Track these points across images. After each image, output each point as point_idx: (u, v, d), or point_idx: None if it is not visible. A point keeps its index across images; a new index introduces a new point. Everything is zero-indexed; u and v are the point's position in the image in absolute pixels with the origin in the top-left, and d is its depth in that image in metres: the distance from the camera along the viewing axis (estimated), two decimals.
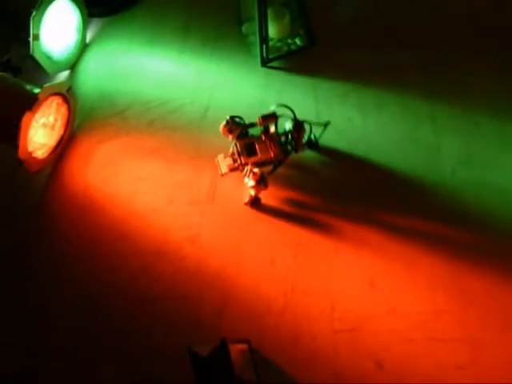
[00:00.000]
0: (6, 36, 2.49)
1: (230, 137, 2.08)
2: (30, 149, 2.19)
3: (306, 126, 2.13)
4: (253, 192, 2.10)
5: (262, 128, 2.09)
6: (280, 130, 2.12)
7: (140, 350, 1.92)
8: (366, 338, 1.85)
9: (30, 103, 2.11)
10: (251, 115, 2.08)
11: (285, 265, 2.02)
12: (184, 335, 1.91)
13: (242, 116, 2.10)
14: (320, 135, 2.25)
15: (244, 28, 2.70)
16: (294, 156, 2.18)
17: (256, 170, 2.03)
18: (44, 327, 2.02)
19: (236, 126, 2.07)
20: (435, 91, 2.37)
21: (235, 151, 2.08)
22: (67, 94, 2.35)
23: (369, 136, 2.30)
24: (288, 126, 2.11)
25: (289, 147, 2.13)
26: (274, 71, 2.55)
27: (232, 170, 2.10)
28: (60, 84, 2.39)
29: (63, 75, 2.69)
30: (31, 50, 2.40)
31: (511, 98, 2.32)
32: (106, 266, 2.10)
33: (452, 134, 2.25)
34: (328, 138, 2.28)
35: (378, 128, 2.31)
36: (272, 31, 2.54)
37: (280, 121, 2.08)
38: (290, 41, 2.62)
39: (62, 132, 2.41)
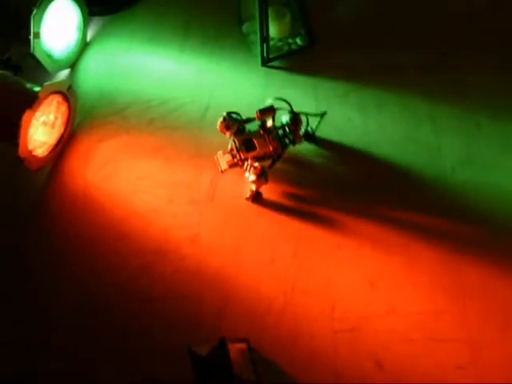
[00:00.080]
0: (6, 34, 2.49)
1: (228, 133, 2.09)
2: (30, 147, 2.19)
3: (303, 118, 2.15)
4: (254, 187, 2.10)
5: (259, 123, 2.10)
6: (277, 124, 2.13)
7: (140, 349, 1.92)
8: (366, 337, 1.85)
9: (31, 101, 2.11)
10: (251, 114, 2.08)
11: (285, 264, 2.02)
12: (184, 335, 1.92)
13: (243, 115, 2.11)
14: (317, 126, 2.27)
15: (244, 27, 2.70)
16: (291, 149, 2.19)
17: (256, 164, 2.03)
18: (44, 327, 2.02)
19: (233, 122, 2.07)
20: (435, 91, 2.37)
21: (234, 147, 2.09)
22: (67, 93, 2.34)
23: (369, 136, 2.29)
24: (285, 119, 2.12)
25: (286, 140, 2.13)
26: (274, 71, 2.55)
27: (231, 166, 2.10)
28: (60, 82, 2.39)
29: (63, 74, 2.69)
30: (32, 49, 2.40)
31: None
32: (105, 266, 2.10)
33: (452, 134, 2.25)
34: (328, 138, 2.29)
35: (378, 128, 2.31)
36: (272, 31, 2.54)
37: (276, 114, 2.09)
38: (290, 40, 2.62)
39: (62, 130, 2.41)
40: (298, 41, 2.61)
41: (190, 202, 2.21)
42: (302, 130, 2.20)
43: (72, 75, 2.69)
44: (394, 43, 2.55)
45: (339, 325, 1.88)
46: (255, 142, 2.08)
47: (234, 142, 2.08)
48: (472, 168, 2.15)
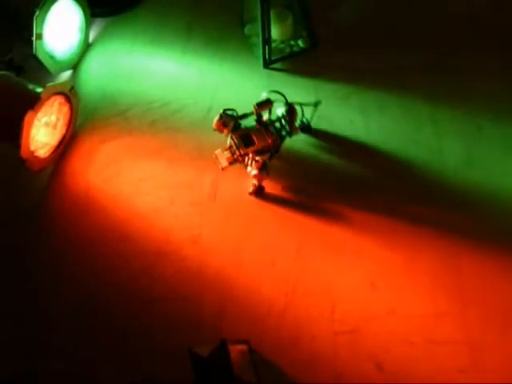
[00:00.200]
0: (9, 35, 2.50)
1: (225, 131, 2.10)
2: (32, 148, 2.19)
3: (298, 110, 2.16)
4: (256, 181, 2.12)
5: (254, 118, 2.11)
6: (272, 117, 2.14)
7: (140, 349, 1.92)
8: (367, 339, 1.85)
9: (33, 102, 2.11)
10: (253, 115, 2.09)
11: (286, 266, 2.02)
12: (184, 336, 1.92)
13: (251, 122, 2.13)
14: (311, 117, 2.29)
15: (247, 29, 2.70)
16: (291, 145, 2.21)
17: (258, 158, 2.05)
18: (44, 327, 2.02)
19: (230, 119, 2.08)
20: (437, 93, 2.37)
21: (232, 144, 2.09)
22: (70, 94, 2.35)
23: (371, 137, 2.29)
24: (280, 111, 2.14)
25: (283, 132, 2.15)
26: (276, 72, 2.55)
27: (231, 163, 2.11)
28: (62, 83, 2.39)
29: (66, 75, 2.69)
30: (34, 50, 2.40)
31: None
32: (106, 266, 2.11)
33: (454, 136, 2.25)
34: (329, 139, 2.30)
35: (379, 130, 2.31)
36: (274, 33, 2.54)
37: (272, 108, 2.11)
38: (292, 42, 2.62)
39: (64, 131, 2.41)
40: (300, 43, 2.61)
41: (192, 203, 2.21)
42: (298, 122, 2.22)
43: (74, 76, 2.69)
44: (395, 44, 2.55)
45: (340, 326, 1.88)
46: (253, 136, 2.09)
47: (232, 139, 2.09)
48: (473, 170, 2.15)
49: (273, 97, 2.08)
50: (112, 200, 2.27)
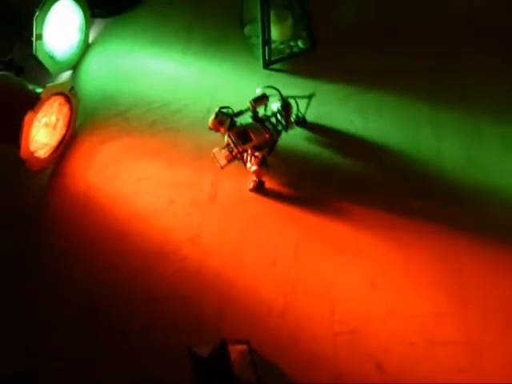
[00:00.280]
0: (9, 35, 2.50)
1: (221, 129, 2.11)
2: (31, 148, 2.19)
3: (293, 104, 2.18)
4: (256, 176, 2.13)
5: (250, 114, 2.13)
6: (268, 113, 2.16)
7: (140, 349, 1.92)
8: (366, 340, 1.85)
9: (33, 103, 2.11)
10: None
11: (286, 266, 2.02)
12: (184, 336, 1.92)
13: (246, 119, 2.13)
14: (306, 110, 2.31)
15: (246, 30, 2.70)
16: (285, 139, 2.22)
17: (257, 153, 2.07)
18: (44, 327, 2.02)
19: (226, 117, 2.10)
20: (436, 94, 2.37)
21: (230, 142, 2.09)
22: (69, 94, 2.35)
23: (370, 138, 2.30)
24: (276, 106, 2.15)
25: (279, 127, 2.16)
26: (275, 73, 2.56)
27: (230, 160, 2.11)
28: (62, 84, 2.40)
29: (66, 75, 2.69)
30: (34, 50, 2.40)
31: None
32: (106, 266, 2.11)
33: (453, 137, 2.25)
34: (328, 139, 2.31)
35: (378, 131, 2.31)
36: (274, 33, 2.54)
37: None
38: (292, 43, 2.62)
39: (63, 132, 2.41)
40: (300, 44, 2.62)
41: (192, 204, 2.22)
42: (293, 116, 2.25)
43: (74, 77, 2.70)
44: (395, 45, 2.56)
45: (339, 327, 1.88)
46: (250, 132, 2.10)
47: (230, 137, 2.10)
48: (472, 171, 2.15)
49: (267, 92, 2.10)
50: (112, 200, 2.28)
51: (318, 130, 2.33)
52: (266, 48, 2.50)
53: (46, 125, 2.32)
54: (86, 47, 2.78)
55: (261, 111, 2.15)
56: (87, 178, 2.35)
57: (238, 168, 2.17)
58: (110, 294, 2.04)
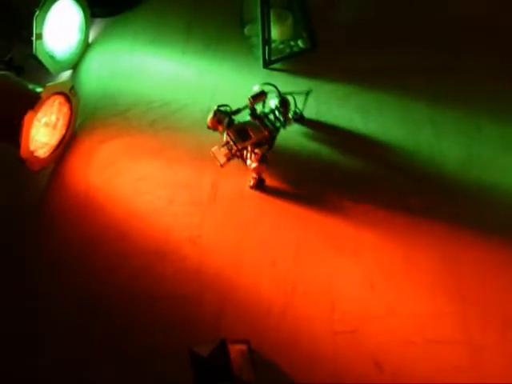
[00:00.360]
0: (8, 35, 2.50)
1: (220, 128, 2.11)
2: (31, 148, 2.19)
3: (290, 100, 2.19)
4: (256, 174, 2.14)
5: (248, 112, 2.13)
6: (266, 110, 2.17)
7: (140, 349, 1.92)
8: (366, 339, 1.85)
9: (33, 102, 2.11)
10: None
11: (285, 266, 2.02)
12: (184, 335, 1.92)
13: (243, 117, 2.13)
14: (303, 106, 2.32)
15: (246, 29, 2.70)
16: (283, 136, 2.23)
17: (257, 150, 2.07)
18: (44, 327, 2.02)
19: (224, 115, 2.10)
20: (436, 94, 2.37)
21: (229, 140, 2.10)
22: (69, 94, 2.35)
23: (370, 137, 2.30)
24: (273, 103, 2.16)
25: (277, 123, 2.17)
26: (275, 73, 2.56)
27: (229, 158, 2.11)
28: (62, 83, 2.39)
29: (66, 75, 2.69)
30: (34, 50, 2.40)
31: None
32: (106, 266, 2.11)
33: (453, 136, 2.25)
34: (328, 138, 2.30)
35: (379, 130, 2.31)
36: (274, 33, 2.54)
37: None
38: (292, 43, 2.62)
39: (63, 131, 2.41)
40: (300, 43, 2.62)
41: (192, 203, 2.22)
42: (291, 113, 2.25)
43: (74, 76, 2.70)
44: (395, 45, 2.56)
45: (339, 326, 1.88)
46: (249, 130, 2.10)
47: (229, 135, 2.10)
48: (472, 170, 2.15)
49: (265, 89, 2.11)
50: (111, 200, 2.27)
51: (318, 128, 2.34)
52: (266, 48, 2.50)
53: (46, 124, 2.32)
54: (86, 47, 2.78)
55: (259, 108, 2.16)
56: (87, 178, 2.35)
57: (238, 168, 2.17)
58: (109, 293, 2.04)
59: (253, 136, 2.09)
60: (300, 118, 2.34)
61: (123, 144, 2.42)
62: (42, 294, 2.08)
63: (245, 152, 2.09)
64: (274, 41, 2.59)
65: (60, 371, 1.92)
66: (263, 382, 1.77)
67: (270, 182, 2.21)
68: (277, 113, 2.16)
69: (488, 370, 1.74)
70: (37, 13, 2.35)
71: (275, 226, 2.12)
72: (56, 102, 2.31)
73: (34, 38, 2.38)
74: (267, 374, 1.81)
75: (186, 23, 2.78)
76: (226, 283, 2.02)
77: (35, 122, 2.17)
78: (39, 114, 2.19)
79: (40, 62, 2.47)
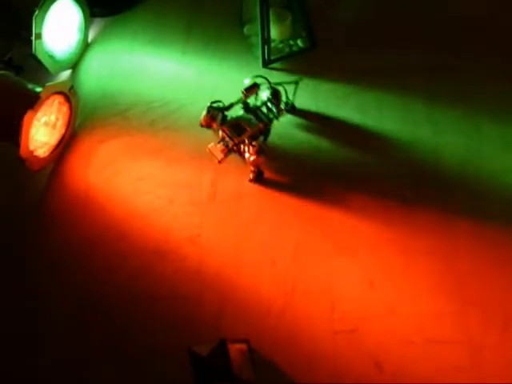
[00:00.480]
0: (8, 35, 2.50)
1: (214, 125, 2.11)
2: (31, 147, 2.19)
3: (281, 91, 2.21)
4: (254, 167, 2.14)
5: (241, 106, 2.14)
6: (258, 102, 2.18)
7: (140, 350, 1.92)
8: (366, 339, 1.85)
9: (32, 102, 2.11)
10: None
11: (285, 266, 2.02)
12: (184, 335, 1.92)
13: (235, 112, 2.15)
14: (294, 96, 2.32)
15: (246, 29, 2.70)
16: (277, 129, 2.25)
17: (254, 142, 2.07)
18: (44, 327, 2.02)
19: (217, 112, 2.10)
20: (436, 93, 2.37)
21: (224, 135, 2.09)
22: (69, 93, 2.35)
23: (369, 136, 2.30)
24: (265, 95, 2.17)
25: (271, 115, 2.18)
26: (275, 72, 2.55)
27: (227, 154, 2.11)
28: (62, 83, 2.39)
29: (65, 74, 2.69)
30: (33, 49, 2.40)
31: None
32: (106, 266, 2.11)
33: (452, 136, 2.25)
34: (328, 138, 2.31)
35: (378, 130, 2.31)
36: (274, 33, 2.54)
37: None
38: (291, 42, 2.62)
39: (63, 131, 2.41)
40: (299, 43, 2.61)
41: (191, 203, 2.22)
42: (283, 104, 2.26)
43: (74, 76, 2.70)
44: (395, 45, 2.56)
45: (339, 326, 1.88)
46: (243, 124, 2.10)
47: (224, 131, 2.09)
48: (471, 169, 2.15)
49: (256, 81, 2.13)
50: (111, 199, 2.27)
51: (311, 119, 2.36)
52: (266, 47, 2.50)
53: (46, 124, 2.32)
54: (85, 46, 2.78)
55: (251, 102, 2.17)
56: (87, 178, 2.35)
57: (238, 167, 2.18)
58: (109, 293, 2.04)
59: (248, 129, 2.09)
60: (292, 109, 2.35)
61: (123, 144, 2.42)
62: (41, 294, 2.08)
63: (242, 146, 2.09)
64: (274, 40, 2.59)
65: (60, 371, 1.92)
66: (263, 381, 1.77)
67: (268, 175, 2.22)
68: (269, 104, 2.17)
69: (488, 370, 1.74)
70: (36, 12, 2.35)
71: (275, 226, 2.12)
72: (55, 102, 2.31)
73: (33, 38, 2.38)
74: (267, 374, 1.81)
75: (185, 23, 2.78)
76: (226, 283, 2.02)
77: (35, 122, 2.17)
78: (39, 114, 2.19)
79: (39, 62, 2.47)
